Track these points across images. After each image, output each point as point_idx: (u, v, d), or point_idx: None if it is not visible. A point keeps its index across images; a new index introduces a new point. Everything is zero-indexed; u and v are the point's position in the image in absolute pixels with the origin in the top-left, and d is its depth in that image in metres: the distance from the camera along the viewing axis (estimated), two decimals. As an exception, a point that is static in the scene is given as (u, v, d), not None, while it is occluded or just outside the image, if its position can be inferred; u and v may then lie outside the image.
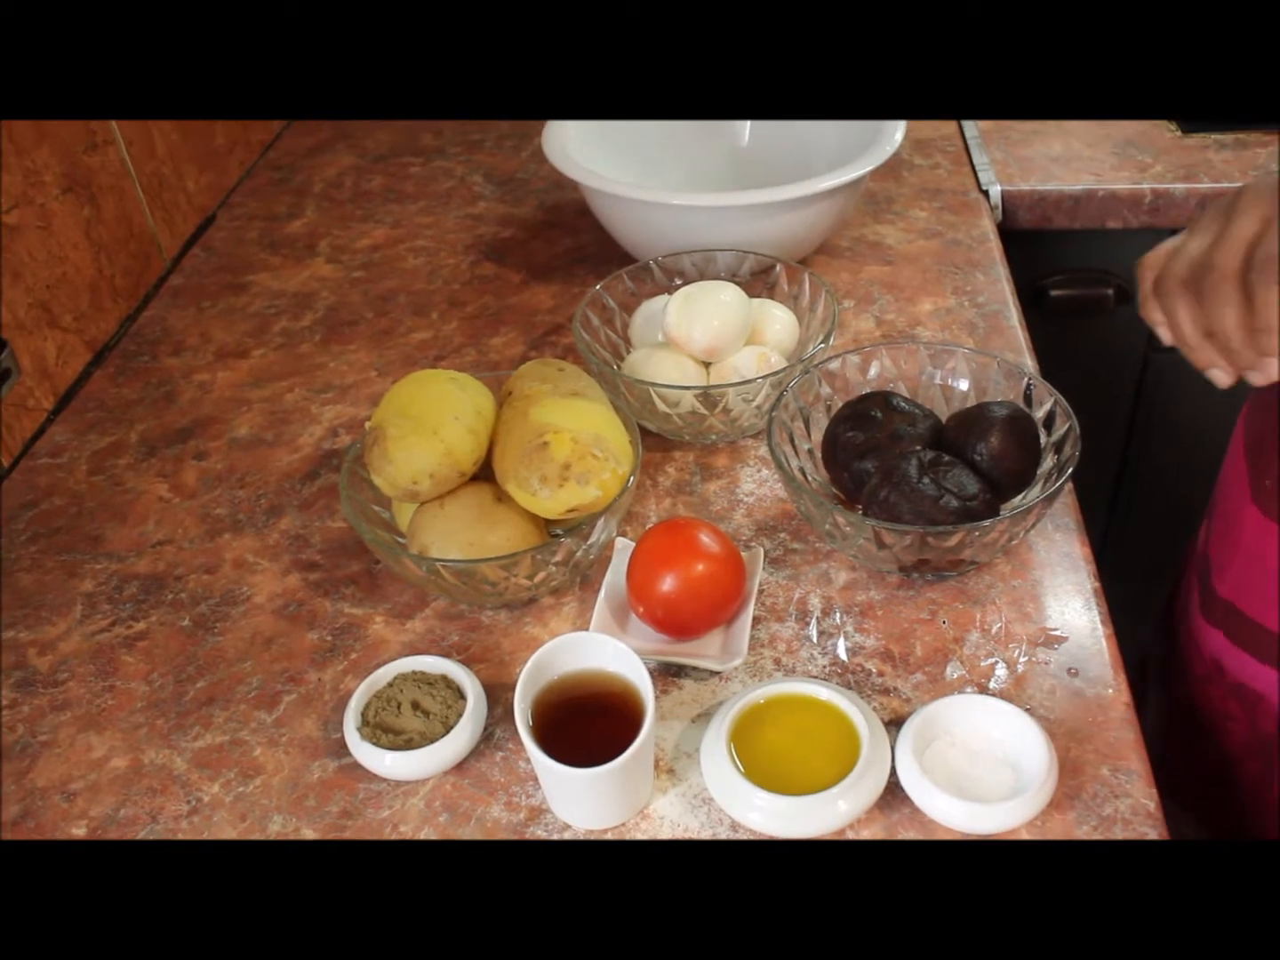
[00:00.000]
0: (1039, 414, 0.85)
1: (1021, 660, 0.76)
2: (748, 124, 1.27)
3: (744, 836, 0.67)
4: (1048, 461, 0.83)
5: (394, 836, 0.69)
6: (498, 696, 0.76)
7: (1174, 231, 1.31)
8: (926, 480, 0.77)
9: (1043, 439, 0.84)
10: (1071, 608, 0.79)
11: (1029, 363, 1.02)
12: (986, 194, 1.28)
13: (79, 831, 0.71)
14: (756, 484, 0.92)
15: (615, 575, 0.82)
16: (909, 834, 0.66)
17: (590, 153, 1.12)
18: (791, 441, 0.86)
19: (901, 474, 0.78)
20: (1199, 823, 0.94)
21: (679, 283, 1.04)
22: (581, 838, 0.68)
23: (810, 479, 0.86)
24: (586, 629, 0.79)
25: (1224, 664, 0.87)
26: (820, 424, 0.88)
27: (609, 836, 0.68)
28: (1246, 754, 0.87)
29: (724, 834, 0.67)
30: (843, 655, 0.77)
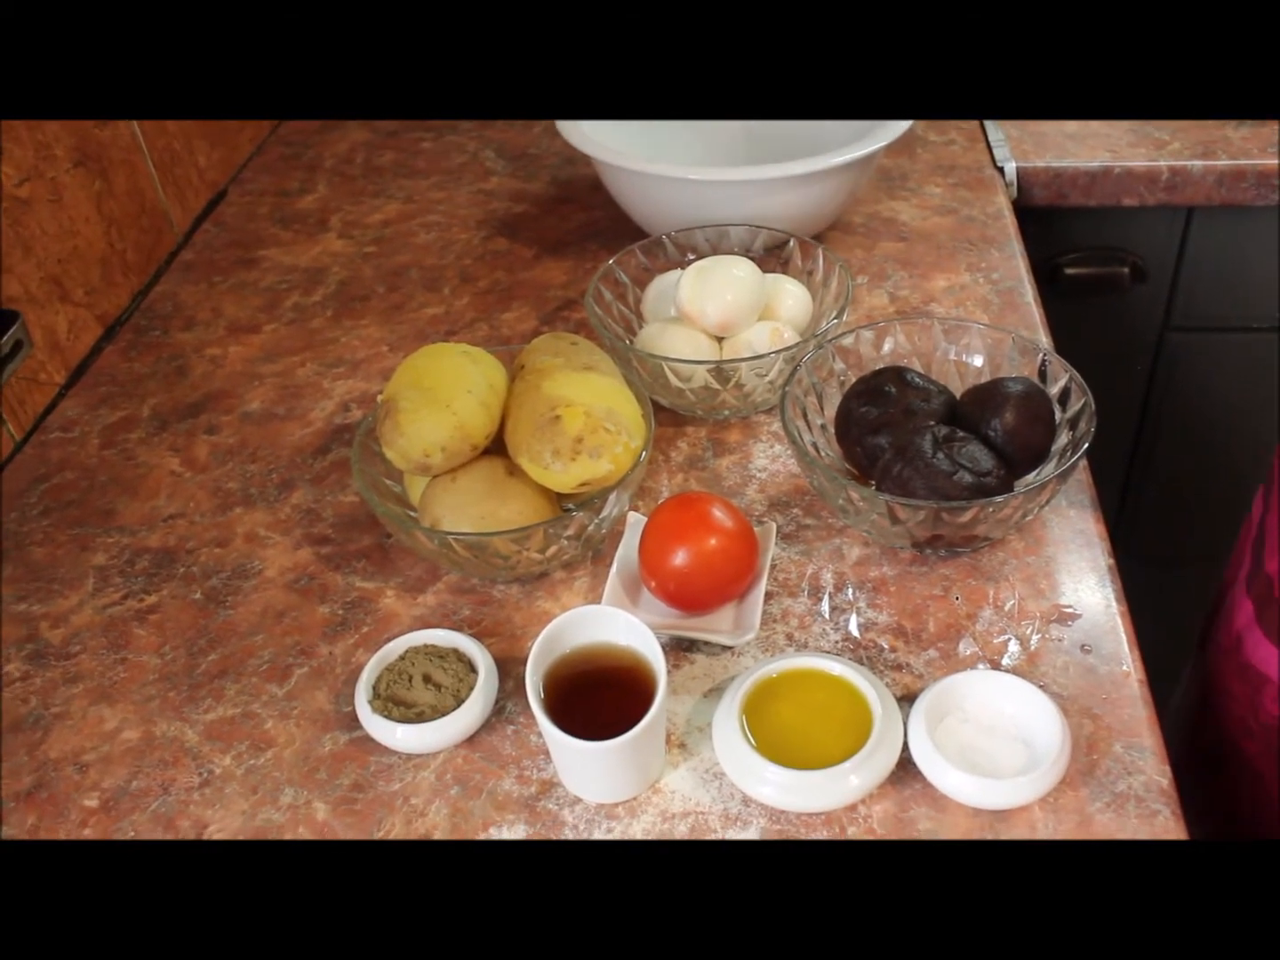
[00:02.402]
0: (1054, 390, 0.84)
1: (1035, 637, 0.75)
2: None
3: (755, 811, 0.67)
4: (1062, 438, 0.83)
5: (405, 809, 0.69)
6: (509, 670, 0.76)
7: (1191, 210, 1.31)
8: (940, 455, 0.77)
9: (1057, 415, 0.83)
10: (1085, 584, 0.79)
11: (1044, 339, 1.01)
12: (1001, 170, 1.27)
13: (91, 803, 0.71)
14: (769, 459, 0.91)
15: (627, 549, 0.81)
16: (921, 809, 0.66)
17: (603, 128, 1.12)
18: (805, 417, 0.86)
19: (915, 449, 0.77)
20: (1190, 809, 0.93)
21: (692, 258, 1.03)
22: (593, 811, 0.68)
23: (823, 454, 0.86)
24: (598, 603, 0.79)
25: (1243, 639, 0.86)
26: (834, 399, 0.88)
27: (620, 810, 0.68)
28: (1244, 735, 0.86)
29: (735, 808, 0.67)
30: (855, 631, 0.77)
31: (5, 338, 0.94)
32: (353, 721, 0.73)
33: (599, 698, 0.69)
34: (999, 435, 0.80)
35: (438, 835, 0.67)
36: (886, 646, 0.76)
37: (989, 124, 1.35)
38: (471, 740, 0.72)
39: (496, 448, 0.81)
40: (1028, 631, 0.76)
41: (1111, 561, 0.80)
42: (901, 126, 1.07)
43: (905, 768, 0.67)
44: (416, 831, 0.68)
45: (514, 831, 0.67)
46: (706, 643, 0.77)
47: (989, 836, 0.65)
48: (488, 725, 0.73)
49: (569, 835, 0.67)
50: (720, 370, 0.90)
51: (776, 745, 0.67)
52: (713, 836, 0.66)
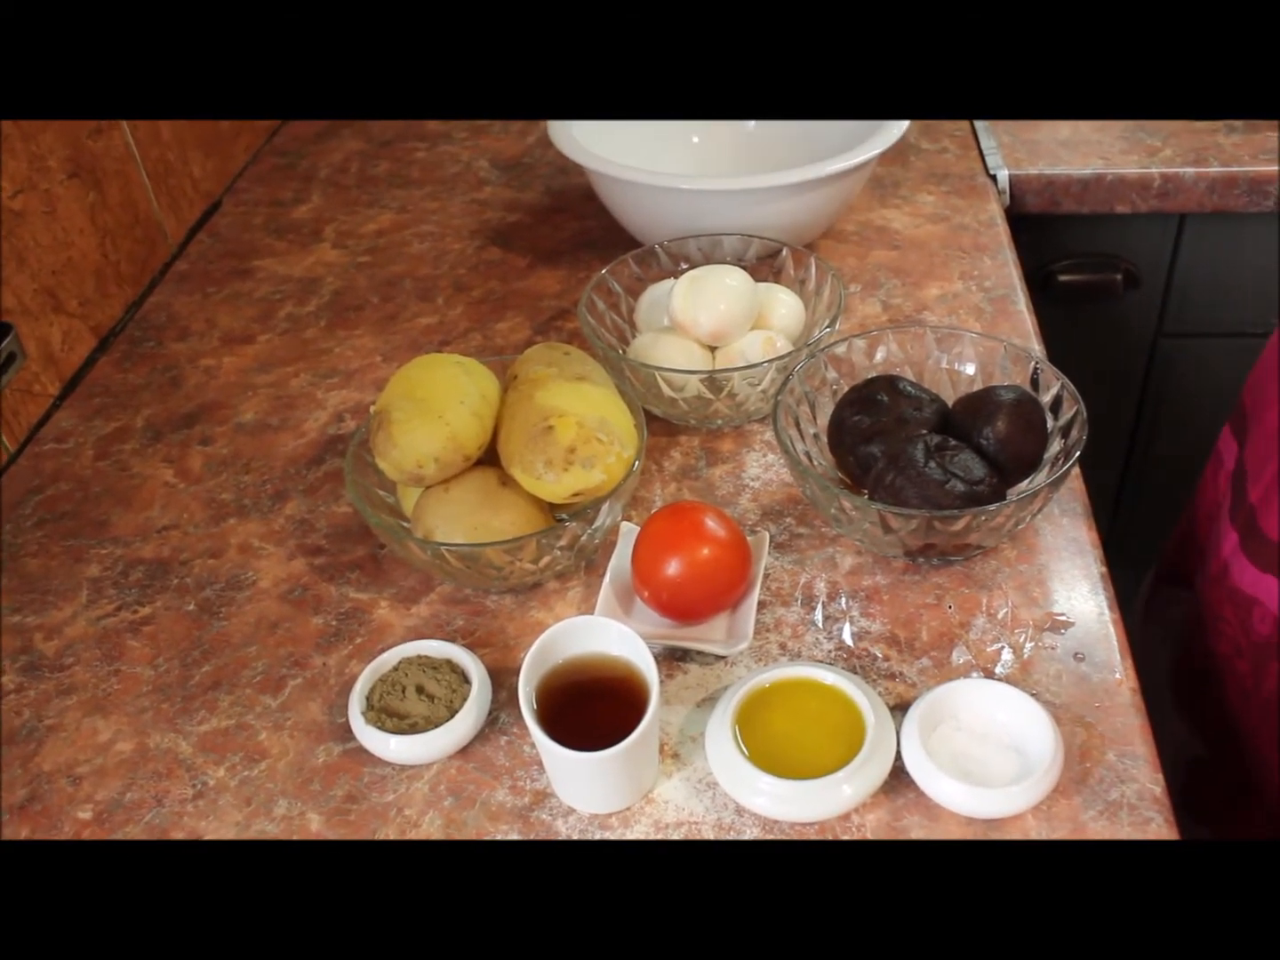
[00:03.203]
0: (1046, 398, 0.84)
1: (1028, 645, 0.75)
2: (754, 108, 1.27)
3: (749, 820, 0.67)
4: (1055, 446, 0.83)
5: (399, 820, 0.69)
6: (502, 681, 0.76)
7: (1183, 216, 1.31)
8: (933, 464, 0.77)
9: (1050, 423, 0.83)
10: (1078, 592, 0.79)
11: (1036, 347, 1.01)
12: (994, 178, 1.27)
13: (85, 815, 0.71)
14: (762, 468, 0.91)
15: (620, 559, 0.81)
16: (914, 818, 0.66)
17: (596, 137, 1.12)
18: (797, 426, 0.86)
19: (908, 458, 0.77)
20: (1189, 723, 0.96)
21: (685, 267, 1.03)
22: (586, 822, 0.68)
23: (816, 463, 0.86)
24: (591, 613, 0.79)
25: (1230, 566, 0.88)
26: (826, 408, 0.88)
27: (613, 820, 0.68)
28: (1236, 655, 0.89)
29: (729, 818, 0.67)
30: (848, 640, 0.77)
31: (-1, 350, 0.94)
32: (346, 733, 0.73)
33: (592, 708, 0.69)
34: (991, 444, 0.80)
35: (431, 846, 0.67)
36: (880, 655, 0.76)
37: (981, 131, 1.35)
38: (465, 751, 0.72)
39: (489, 458, 0.81)
40: (1021, 640, 0.76)
41: (1104, 569, 0.80)
42: (894, 135, 1.07)
43: (898, 777, 0.68)
44: (410, 843, 0.68)
45: (507, 842, 0.67)
46: (699, 652, 0.77)
47: (982, 845, 0.65)
48: (481, 736, 0.73)
49: (562, 846, 0.67)
50: (713, 380, 0.90)
51: (769, 755, 0.67)
52: (706, 846, 0.66)
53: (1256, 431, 0.90)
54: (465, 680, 0.74)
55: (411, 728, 0.71)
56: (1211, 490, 0.99)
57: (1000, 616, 0.78)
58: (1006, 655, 0.75)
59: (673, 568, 0.75)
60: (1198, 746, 0.96)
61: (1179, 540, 1.07)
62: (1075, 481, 0.87)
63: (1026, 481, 0.83)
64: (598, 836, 0.67)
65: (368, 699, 0.73)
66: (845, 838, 0.66)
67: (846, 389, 0.88)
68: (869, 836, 0.66)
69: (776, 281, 1.02)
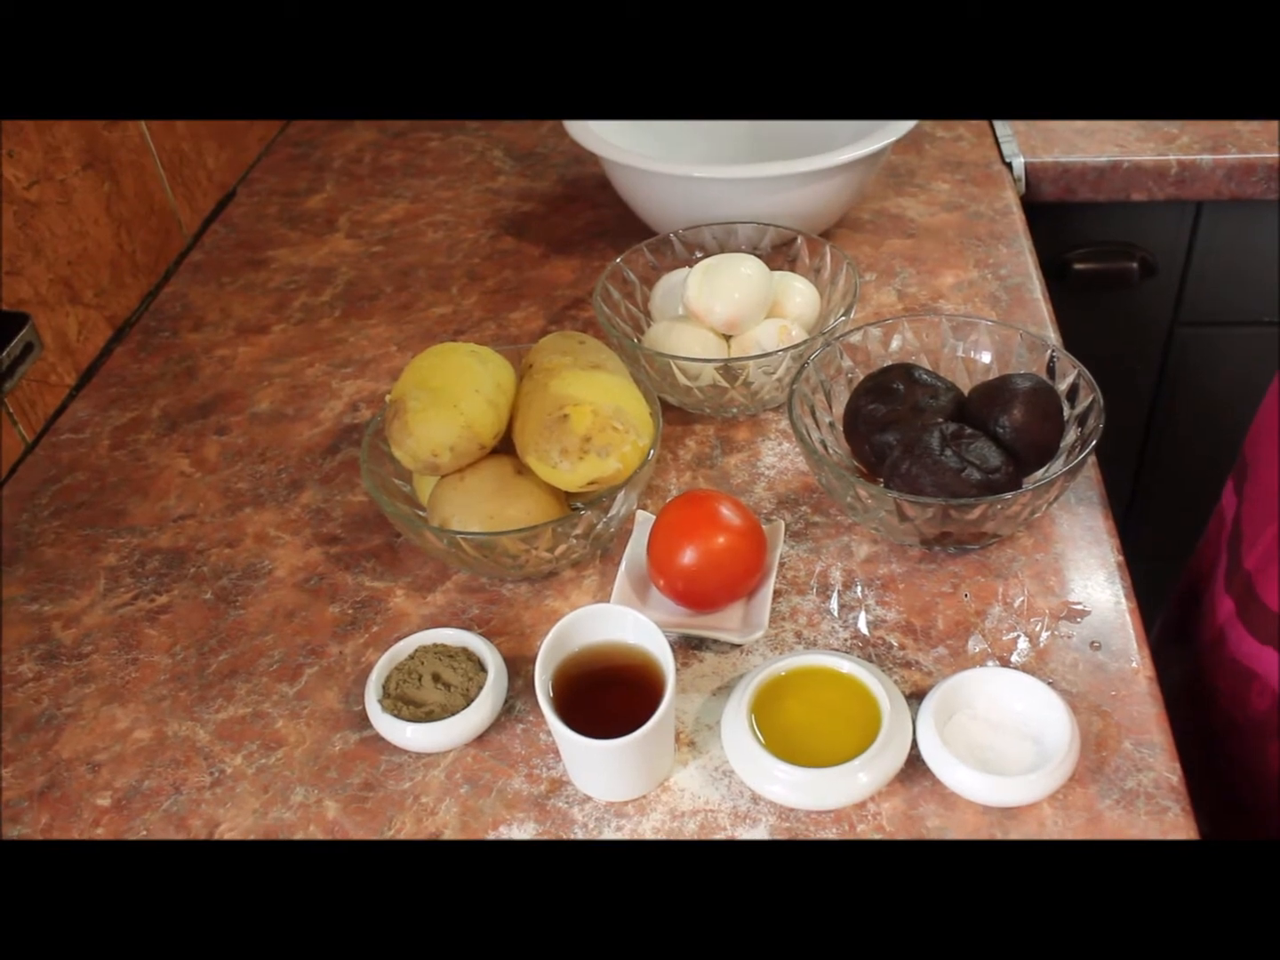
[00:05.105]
0: (1062, 386, 0.84)
1: (1044, 633, 0.75)
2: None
3: (764, 808, 0.67)
4: (1071, 434, 0.82)
5: (415, 808, 0.69)
6: (518, 669, 0.76)
7: (1200, 204, 1.31)
8: (949, 452, 0.77)
9: (1066, 412, 0.83)
10: (1094, 581, 0.79)
11: (1052, 335, 1.01)
12: (1010, 166, 1.27)
13: (104, 802, 0.71)
14: (777, 457, 0.91)
15: (636, 548, 0.82)
16: (930, 806, 0.66)
17: (610, 126, 1.12)
18: (813, 414, 0.86)
19: (923, 446, 0.77)
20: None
21: (699, 256, 1.03)
22: (602, 810, 0.68)
23: (831, 452, 0.86)
24: (607, 601, 0.79)
25: (1226, 635, 0.86)
26: (841, 397, 0.88)
27: (629, 808, 0.68)
28: (1230, 729, 0.86)
29: (744, 806, 0.67)
30: (864, 628, 0.77)
31: (16, 340, 0.94)
32: (363, 721, 0.74)
33: (608, 696, 0.69)
34: (1007, 432, 0.80)
35: (448, 834, 0.68)
36: (895, 644, 0.76)
37: (997, 119, 1.35)
38: (481, 739, 0.72)
39: (505, 447, 0.81)
40: (1037, 628, 0.76)
41: (1121, 558, 0.80)
42: (908, 123, 1.07)
43: (914, 765, 0.68)
44: (427, 830, 0.68)
45: (524, 830, 0.67)
46: (715, 641, 0.77)
47: (998, 834, 0.65)
48: (497, 724, 0.73)
49: (578, 834, 0.67)
50: (728, 368, 0.90)
51: (785, 743, 0.67)
52: (722, 834, 0.66)
53: (1253, 490, 0.87)
54: (481, 668, 0.74)
55: (428, 716, 0.71)
56: (1213, 550, 0.96)
57: (1016, 605, 0.77)
58: (1022, 644, 0.75)
59: (688, 556, 0.75)
60: (1200, 823, 0.92)
61: (1181, 598, 1.03)
62: (1091, 470, 0.86)
63: (1042, 470, 0.82)
64: (613, 824, 0.67)
65: (384, 687, 0.73)
66: (861, 826, 0.66)
67: (862, 377, 0.87)
68: (884, 825, 0.66)
69: (791, 270, 1.02)
